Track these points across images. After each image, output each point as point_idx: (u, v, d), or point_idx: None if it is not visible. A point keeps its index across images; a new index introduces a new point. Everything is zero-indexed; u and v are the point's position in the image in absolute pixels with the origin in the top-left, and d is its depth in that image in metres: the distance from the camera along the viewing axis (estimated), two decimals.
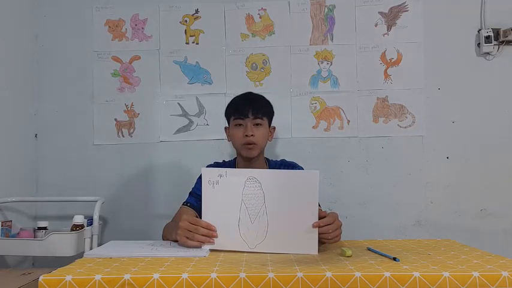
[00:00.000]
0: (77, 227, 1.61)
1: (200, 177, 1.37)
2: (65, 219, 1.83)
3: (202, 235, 1.12)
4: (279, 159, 1.60)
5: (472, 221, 1.90)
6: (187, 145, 1.95)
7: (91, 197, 1.77)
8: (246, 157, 1.46)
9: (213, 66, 1.97)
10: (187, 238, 1.13)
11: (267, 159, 1.57)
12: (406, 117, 1.94)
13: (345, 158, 1.94)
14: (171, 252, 1.10)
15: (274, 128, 1.59)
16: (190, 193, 1.48)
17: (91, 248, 1.62)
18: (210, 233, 1.12)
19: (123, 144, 1.96)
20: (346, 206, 1.89)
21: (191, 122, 1.97)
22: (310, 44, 1.96)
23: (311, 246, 1.09)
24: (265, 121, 1.48)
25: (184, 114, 1.97)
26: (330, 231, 1.11)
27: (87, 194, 1.86)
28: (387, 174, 1.92)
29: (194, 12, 1.98)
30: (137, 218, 1.94)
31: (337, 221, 1.15)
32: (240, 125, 1.45)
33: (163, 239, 1.33)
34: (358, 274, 0.87)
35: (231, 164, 1.57)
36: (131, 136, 1.97)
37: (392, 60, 1.95)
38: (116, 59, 1.98)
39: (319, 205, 1.18)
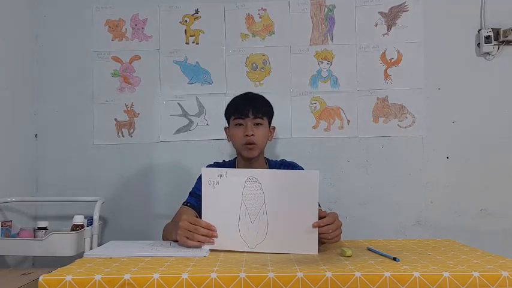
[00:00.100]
0: (77, 227, 1.61)
1: (200, 177, 1.37)
2: (65, 219, 1.83)
3: (202, 235, 1.12)
4: (279, 159, 1.60)
5: (472, 221, 1.90)
6: (187, 145, 1.95)
7: (91, 197, 1.77)
8: (246, 157, 1.46)
9: (213, 66, 1.97)
10: (187, 238, 1.13)
11: (267, 159, 1.57)
12: (406, 117, 1.94)
13: (345, 158, 1.94)
14: (171, 252, 1.10)
15: (274, 128, 1.59)
16: (190, 193, 1.48)
17: (91, 248, 1.63)
18: (210, 233, 1.12)
19: (123, 144, 1.96)
20: (346, 206, 1.90)
21: (191, 122, 1.97)
22: (310, 44, 1.96)
23: (311, 246, 1.09)
24: (265, 121, 1.48)
25: (184, 114, 1.97)
26: (330, 231, 1.11)
27: (87, 194, 1.86)
28: (387, 174, 1.92)
29: (194, 12, 1.98)
30: (137, 218, 1.94)
31: (337, 221, 1.15)
32: (240, 124, 1.45)
33: (163, 239, 1.33)
34: (358, 274, 0.87)
35: (231, 164, 1.57)
36: (131, 136, 1.97)
37: (392, 60, 1.95)
38: (116, 59, 1.98)
39: (319, 205, 1.18)
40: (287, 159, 1.59)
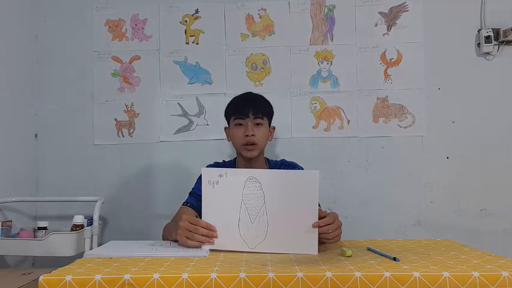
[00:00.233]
0: (77, 227, 1.61)
1: (200, 177, 1.37)
2: (65, 219, 1.83)
3: (202, 235, 1.12)
4: (279, 159, 1.60)
5: (472, 221, 1.90)
6: (187, 145, 1.95)
7: (91, 197, 1.77)
8: (246, 157, 1.46)
9: (213, 66, 1.97)
10: (187, 238, 1.13)
11: (267, 159, 1.57)
12: (406, 117, 1.94)
13: (345, 158, 1.94)
14: (171, 252, 1.10)
15: (274, 128, 1.59)
16: (190, 193, 1.48)
17: (91, 248, 1.63)
18: (210, 233, 1.12)
19: (123, 144, 1.96)
20: (346, 206, 1.90)
21: (191, 122, 1.97)
22: (310, 44, 1.96)
23: (311, 246, 1.09)
24: (265, 121, 1.48)
25: (184, 114, 1.97)
26: (330, 231, 1.11)
27: (87, 194, 1.87)
28: (387, 174, 1.92)
29: (194, 12, 1.98)
30: (137, 218, 1.94)
31: (337, 221, 1.15)
32: (240, 124, 1.45)
33: (163, 239, 1.33)
34: (358, 274, 0.87)
35: (231, 164, 1.57)
36: (131, 136, 1.97)
37: (392, 60, 1.95)
38: (116, 59, 1.98)
39: (319, 205, 1.18)
40: (287, 159, 1.59)
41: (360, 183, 1.93)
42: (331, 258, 1.03)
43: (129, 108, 1.97)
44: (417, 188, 1.92)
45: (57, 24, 2.00)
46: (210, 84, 1.97)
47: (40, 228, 1.64)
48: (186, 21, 1.99)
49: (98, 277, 0.87)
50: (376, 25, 1.96)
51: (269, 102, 1.53)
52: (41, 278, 0.87)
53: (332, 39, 1.96)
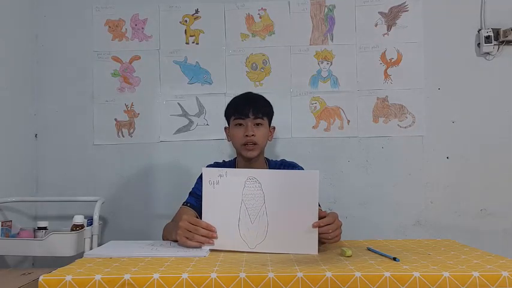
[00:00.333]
0: (77, 227, 1.61)
1: (200, 177, 1.37)
2: (65, 219, 1.83)
3: (202, 235, 1.11)
4: (279, 159, 1.60)
5: (472, 221, 1.90)
6: (187, 145, 1.95)
7: (91, 197, 1.77)
8: (246, 157, 1.46)
9: (213, 66, 1.97)
10: (187, 238, 1.13)
11: (267, 159, 1.57)
12: (406, 117, 1.94)
13: (345, 158, 1.94)
14: (171, 252, 1.10)
15: (274, 128, 1.59)
16: (190, 193, 1.48)
17: (91, 248, 1.62)
18: (209, 234, 1.12)
19: (123, 144, 1.96)
20: (346, 206, 1.90)
21: (191, 122, 1.97)
22: (310, 44, 1.96)
23: (311, 246, 1.09)
24: (265, 121, 1.48)
25: (184, 114, 1.97)
26: (330, 231, 1.11)
27: (87, 194, 1.87)
28: (387, 174, 1.92)
29: (194, 12, 1.98)
30: (137, 218, 1.94)
31: (337, 220, 1.15)
32: (240, 124, 1.45)
33: (163, 239, 1.33)
34: (358, 274, 0.87)
35: (231, 164, 1.57)
36: (131, 136, 1.97)
37: (392, 60, 1.95)
38: (116, 59, 1.98)
39: (319, 205, 1.18)
40: (287, 159, 1.59)
41: (360, 183, 1.93)
42: (331, 258, 1.03)
43: (129, 108, 1.97)
44: (417, 188, 1.92)
45: (57, 24, 2.00)
46: (210, 84, 1.97)
47: (40, 228, 1.64)
48: (186, 21, 1.99)
49: (98, 277, 0.87)
50: (376, 25, 1.96)
51: (269, 102, 1.53)
52: (41, 278, 0.87)
53: (332, 39, 1.96)
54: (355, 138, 1.94)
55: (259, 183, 1.12)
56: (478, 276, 0.86)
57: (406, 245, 1.21)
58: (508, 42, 1.90)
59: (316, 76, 1.96)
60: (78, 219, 1.62)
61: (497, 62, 1.93)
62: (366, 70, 1.95)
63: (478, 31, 1.93)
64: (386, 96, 1.94)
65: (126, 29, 1.99)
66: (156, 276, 0.87)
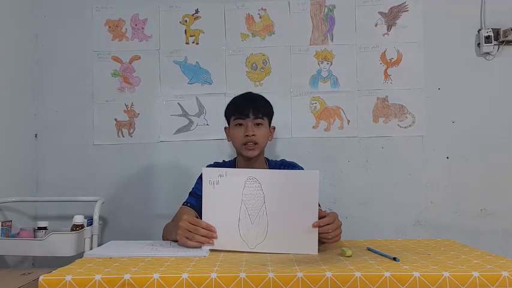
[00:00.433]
0: (77, 227, 1.61)
1: (200, 177, 1.37)
2: (65, 219, 1.83)
3: (202, 235, 1.11)
4: (279, 159, 1.60)
5: (472, 221, 1.90)
6: (187, 145, 1.95)
7: (91, 197, 1.77)
8: (246, 157, 1.46)
9: (213, 66, 1.97)
10: (187, 238, 1.13)
11: (267, 159, 1.57)
12: (406, 117, 1.94)
13: (345, 158, 1.94)
14: (171, 252, 1.10)
15: (274, 128, 1.59)
16: (190, 193, 1.48)
17: (91, 248, 1.63)
18: (209, 234, 1.12)
19: (123, 144, 1.96)
20: (346, 206, 1.89)
21: (191, 122, 1.97)
22: (310, 44, 1.96)
23: (311, 246, 1.09)
24: (265, 121, 1.48)
25: (184, 114, 1.97)
26: (330, 230, 1.11)
27: (87, 194, 1.87)
28: (387, 174, 1.92)
29: (194, 12, 1.98)
30: (137, 218, 1.94)
31: (337, 220, 1.15)
32: (240, 124, 1.45)
33: (163, 239, 1.33)
34: (358, 274, 0.87)
35: (231, 164, 1.57)
36: (131, 136, 1.97)
37: (392, 60, 1.95)
38: (116, 59, 1.98)
39: (319, 205, 1.18)
40: (287, 159, 1.59)
41: (360, 183, 1.93)
42: (331, 258, 1.03)
43: (129, 108, 1.97)
44: (417, 188, 1.92)
45: (57, 24, 2.00)
46: (210, 84, 1.97)
47: (40, 228, 1.64)
48: (186, 21, 1.99)
49: (98, 277, 0.87)
50: (376, 25, 1.96)
51: (269, 102, 1.53)
52: (41, 278, 0.87)
53: (332, 39, 1.96)
54: (355, 138, 1.94)
55: (259, 183, 1.12)
56: (478, 276, 0.86)
57: (406, 245, 1.21)
58: (508, 42, 1.90)
59: (316, 76, 1.96)
60: (78, 219, 1.62)
61: (497, 62, 1.93)
62: (366, 70, 1.95)
63: (478, 31, 1.93)
64: (386, 96, 1.94)
65: (126, 29, 1.99)
66: (156, 276, 0.87)
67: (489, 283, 0.86)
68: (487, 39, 1.88)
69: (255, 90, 1.71)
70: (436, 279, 0.86)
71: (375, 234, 1.82)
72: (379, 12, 1.96)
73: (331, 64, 1.96)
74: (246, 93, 1.57)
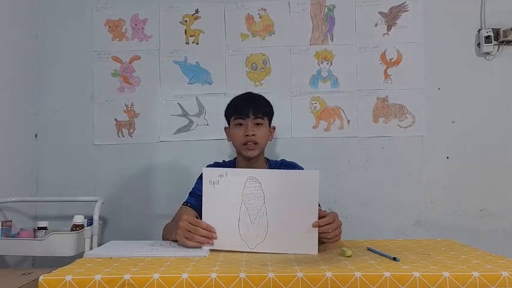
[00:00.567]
0: (77, 227, 1.61)
1: (200, 177, 1.37)
2: (65, 219, 1.83)
3: (201, 236, 1.11)
4: (279, 159, 1.60)
5: (472, 221, 1.90)
6: (187, 145, 1.95)
7: (91, 197, 1.77)
8: (246, 157, 1.46)
9: (213, 66, 1.97)
10: (187, 238, 1.13)
11: (267, 159, 1.57)
12: (406, 117, 1.94)
13: (345, 158, 1.94)
14: (171, 252, 1.10)
15: (274, 128, 1.59)
16: (190, 193, 1.48)
17: (91, 248, 1.62)
18: (209, 234, 1.12)
19: (123, 144, 1.96)
20: (346, 206, 1.89)
21: (191, 122, 1.97)
22: (310, 44, 1.96)
23: (311, 246, 1.09)
24: (265, 121, 1.48)
25: (184, 114, 1.97)
26: (330, 230, 1.11)
27: (87, 194, 1.86)
28: (387, 174, 1.92)
29: (194, 12, 1.98)
30: (137, 218, 1.94)
31: (337, 220, 1.15)
32: (240, 124, 1.45)
33: (163, 239, 1.33)
34: (358, 274, 0.87)
35: (231, 164, 1.57)
36: (131, 136, 1.97)
37: (392, 60, 1.95)
38: (116, 59, 1.98)
39: (319, 205, 1.18)
40: (287, 159, 1.59)
41: (360, 183, 1.93)
42: (331, 258, 1.03)
43: (129, 108, 1.97)
44: (417, 188, 1.92)
45: (57, 24, 2.00)
46: (210, 84, 1.97)
47: (40, 228, 1.64)
48: (186, 21, 1.99)
49: (98, 277, 0.87)
50: (376, 25, 1.96)
51: (269, 102, 1.53)
52: (41, 278, 0.87)
53: (332, 39, 1.96)
54: (355, 138, 1.94)
55: (259, 183, 1.12)
56: (478, 276, 0.86)
57: (406, 245, 1.21)
58: (508, 42, 1.90)
59: (316, 76, 1.96)
60: (78, 219, 1.62)
61: (497, 62, 1.93)
62: (366, 70, 1.95)
63: (478, 31, 1.93)
64: (387, 96, 1.94)
65: (126, 29, 1.99)
66: (156, 276, 0.87)
67: (489, 283, 0.86)
68: (487, 39, 1.88)
69: (255, 90, 1.71)
70: (436, 279, 0.86)
71: (375, 234, 1.82)
72: (379, 12, 1.96)
73: (331, 64, 1.96)
74: (246, 93, 1.57)
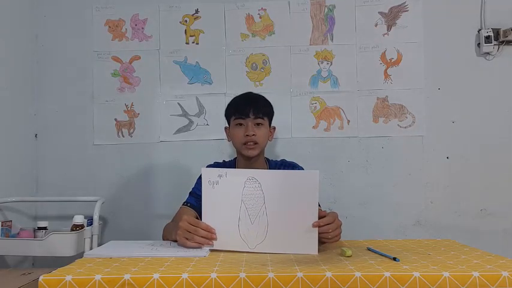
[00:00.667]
0: (77, 227, 1.61)
1: (200, 177, 1.37)
2: (65, 219, 1.83)
3: (201, 237, 1.11)
4: (279, 159, 1.60)
5: (472, 221, 1.90)
6: (187, 145, 1.95)
7: (91, 197, 1.77)
8: (246, 156, 1.46)
9: (213, 66, 1.97)
10: (187, 239, 1.13)
11: (267, 159, 1.57)
12: (406, 117, 1.94)
13: (345, 158, 1.94)
14: (171, 252, 1.10)
15: (275, 128, 1.59)
16: (190, 193, 1.48)
17: (91, 248, 1.63)
18: (209, 235, 1.11)
19: (123, 144, 1.96)
20: (346, 206, 1.89)
21: (191, 122, 1.97)
22: (310, 44, 1.96)
23: (311, 246, 1.09)
24: (265, 121, 1.48)
25: (184, 114, 1.97)
26: (330, 230, 1.11)
27: (87, 194, 1.86)
28: (387, 174, 1.92)
29: (194, 12, 1.98)
30: (137, 218, 1.94)
31: (337, 220, 1.15)
32: (240, 124, 1.45)
33: (163, 239, 1.33)
34: (358, 274, 0.87)
35: (231, 164, 1.57)
36: (131, 136, 1.97)
37: (392, 60, 1.95)
38: (116, 59, 1.98)
39: (319, 205, 1.18)
40: (287, 159, 1.59)
41: (360, 183, 1.93)
42: (331, 258, 1.03)
43: (129, 108, 1.97)
44: (417, 188, 1.92)
45: (57, 24, 2.00)
46: (210, 84, 1.97)
47: (40, 228, 1.64)
48: (186, 21, 1.99)
49: (98, 277, 0.87)
50: (376, 25, 1.96)
51: (269, 102, 1.53)
52: (41, 278, 0.87)
53: (332, 39, 1.96)
54: (355, 138, 1.94)
55: (259, 183, 1.12)
56: (478, 276, 0.86)
57: (406, 245, 1.21)
58: (508, 42, 1.90)
59: (316, 76, 1.96)
60: (78, 219, 1.62)
61: (497, 62, 1.93)
62: (366, 70, 1.95)
63: (478, 31, 1.93)
64: (387, 96, 1.94)
65: (126, 29, 1.99)
66: (156, 276, 0.87)
67: (489, 283, 0.86)
68: (487, 39, 1.88)
69: (255, 90, 1.71)
70: (436, 279, 0.86)
71: (375, 234, 1.82)
72: (379, 12, 1.96)
73: (331, 64, 1.96)
74: (246, 93, 1.57)
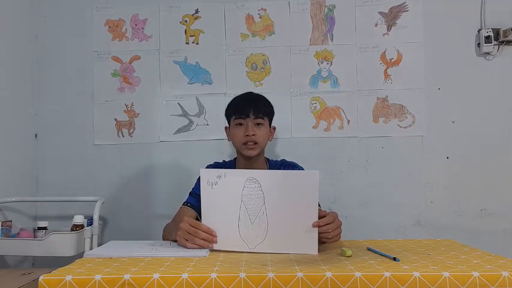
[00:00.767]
0: (77, 227, 1.61)
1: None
2: (65, 219, 1.83)
3: (202, 239, 1.11)
4: (279, 159, 1.60)
5: (472, 221, 1.90)
6: (187, 145, 1.95)
7: (91, 197, 1.77)
8: (246, 156, 1.46)
9: (213, 66, 1.97)
10: (187, 240, 1.13)
11: (267, 159, 1.57)
12: (406, 117, 1.94)
13: (345, 158, 1.94)
14: (171, 252, 1.10)
15: (275, 128, 1.59)
16: (190, 193, 1.48)
17: (91, 248, 1.63)
18: (209, 238, 1.11)
19: (123, 144, 1.96)
20: (346, 206, 1.89)
21: (191, 122, 1.97)
22: (310, 44, 1.96)
23: (311, 246, 1.09)
24: (266, 121, 1.48)
25: (184, 114, 1.97)
26: (330, 230, 1.12)
27: (87, 194, 1.86)
28: (387, 174, 1.92)
29: (194, 12, 1.98)
30: (137, 218, 1.94)
31: (337, 220, 1.15)
32: (240, 124, 1.45)
33: (163, 239, 1.33)
34: (358, 274, 0.87)
35: (231, 164, 1.57)
36: (131, 136, 1.97)
37: (392, 60, 1.95)
38: (116, 59, 1.98)
39: (319, 205, 1.18)
40: (287, 159, 1.59)
41: (360, 183, 1.93)
42: (331, 258, 1.03)
43: (129, 108, 1.97)
44: (417, 188, 1.92)
45: (57, 24, 2.00)
46: (210, 84, 1.97)
47: (40, 228, 1.64)
48: (186, 21, 1.99)
49: (98, 277, 0.87)
50: (376, 25, 1.96)
51: (270, 102, 1.53)
52: (41, 278, 0.87)
53: (332, 39, 1.96)
54: (355, 138, 1.94)
55: (259, 183, 1.11)
56: (478, 276, 0.86)
57: (406, 245, 1.21)
58: (508, 42, 1.90)
59: (316, 76, 1.96)
60: (78, 219, 1.62)
61: (497, 62, 1.93)
62: (366, 70, 1.95)
63: (478, 31, 1.93)
64: (387, 96, 1.94)
65: (126, 29, 1.99)
66: (156, 276, 0.87)
67: (489, 283, 0.86)
68: (487, 39, 1.88)
69: (255, 90, 1.71)
70: (436, 279, 0.86)
71: (375, 234, 1.82)
72: (379, 12, 1.96)
73: (331, 64, 1.96)
74: (246, 93, 1.57)
